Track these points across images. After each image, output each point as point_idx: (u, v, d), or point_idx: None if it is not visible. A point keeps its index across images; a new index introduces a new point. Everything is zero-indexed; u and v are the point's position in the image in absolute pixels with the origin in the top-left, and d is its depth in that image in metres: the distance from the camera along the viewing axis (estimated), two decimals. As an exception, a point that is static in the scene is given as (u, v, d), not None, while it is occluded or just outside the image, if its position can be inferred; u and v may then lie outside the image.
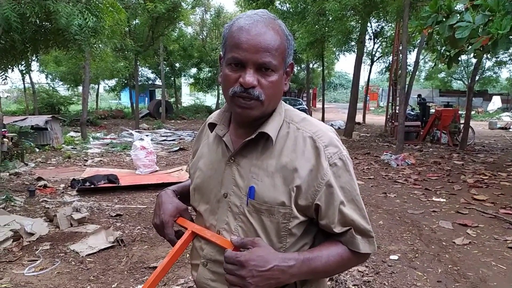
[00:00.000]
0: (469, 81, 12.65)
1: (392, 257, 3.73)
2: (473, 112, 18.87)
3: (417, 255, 3.79)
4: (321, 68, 20.50)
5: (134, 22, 16.18)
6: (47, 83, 24.59)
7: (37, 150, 9.89)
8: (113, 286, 3.17)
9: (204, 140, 1.17)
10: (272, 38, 0.93)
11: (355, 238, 0.98)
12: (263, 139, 0.99)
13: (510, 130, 17.30)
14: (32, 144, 9.82)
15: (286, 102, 1.10)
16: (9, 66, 6.17)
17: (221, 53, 1.02)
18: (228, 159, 1.03)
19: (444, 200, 5.72)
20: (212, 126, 1.09)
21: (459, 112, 12.70)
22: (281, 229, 0.97)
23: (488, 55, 18.86)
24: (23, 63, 6.49)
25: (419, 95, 14.32)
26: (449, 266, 3.54)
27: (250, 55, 0.91)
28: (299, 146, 0.98)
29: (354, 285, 3.13)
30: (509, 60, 23.81)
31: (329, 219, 0.97)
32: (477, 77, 15.00)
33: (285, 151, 0.98)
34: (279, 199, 0.96)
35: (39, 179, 6.62)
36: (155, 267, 3.44)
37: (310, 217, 1.00)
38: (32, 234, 4.10)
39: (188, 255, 3.72)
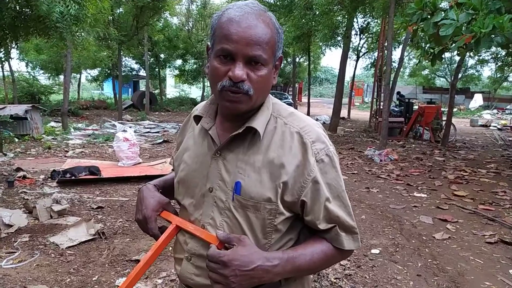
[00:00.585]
0: (452, 78, 12.88)
1: (373, 251, 3.78)
2: (455, 110, 19.23)
3: (397, 249, 3.85)
4: (307, 62, 20.53)
5: (118, 11, 15.86)
6: (27, 71, 23.97)
7: (16, 140, 9.65)
8: (93, 279, 3.13)
9: (189, 132, 1.14)
10: (263, 31, 0.91)
11: (340, 235, 0.98)
12: (250, 134, 0.98)
13: (491, 127, 17.72)
14: (11, 134, 9.58)
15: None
16: (-13, 53, 5.98)
17: (208, 43, 0.99)
18: (214, 153, 1.00)
19: (425, 195, 5.83)
20: (197, 118, 1.07)
21: (442, 109, 12.92)
22: (266, 225, 0.96)
23: (471, 53, 19.22)
24: (1, 50, 6.31)
25: (398, 92, 14.48)
26: (429, 260, 3.60)
27: (240, 48, 0.89)
28: (286, 141, 0.96)
29: (336, 278, 3.16)
30: (491, 58, 24.30)
31: (314, 215, 0.96)
32: (459, 75, 15.27)
33: (272, 147, 0.96)
34: (266, 195, 0.94)
35: (18, 169, 6.46)
36: (137, 260, 3.41)
37: (295, 213, 0.99)
38: (11, 226, 4.00)
39: (171, 248, 3.70)
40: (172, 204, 1.14)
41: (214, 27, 0.95)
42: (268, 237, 0.97)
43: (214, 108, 1.07)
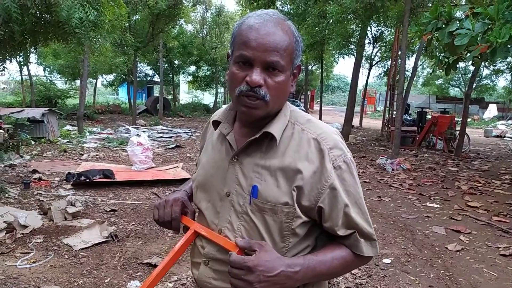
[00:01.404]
0: (466, 88, 12.74)
1: (385, 260, 3.75)
2: (469, 120, 19.00)
3: (409, 259, 3.81)
4: (320, 70, 20.53)
5: (134, 18, 16.13)
6: (44, 75, 24.46)
7: (33, 142, 9.84)
8: (105, 281, 3.17)
9: (208, 138, 1.17)
10: (281, 38, 0.92)
11: (359, 241, 0.99)
12: (267, 139, 0.99)
13: (505, 138, 17.42)
14: (28, 136, 9.77)
15: None
16: (8, 57, 6.14)
17: (229, 51, 1.02)
18: (231, 158, 1.02)
19: (438, 205, 5.76)
20: (216, 124, 1.09)
21: (455, 119, 12.77)
22: (284, 229, 0.97)
23: (486, 63, 19.00)
24: (21, 54, 6.46)
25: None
26: (441, 271, 3.56)
27: (258, 54, 0.91)
28: (303, 147, 0.98)
29: (346, 287, 3.15)
30: (506, 68, 23.96)
31: (332, 221, 0.97)
32: (474, 85, 15.08)
33: (288, 152, 0.98)
34: (283, 199, 0.95)
35: (34, 171, 6.59)
36: (148, 263, 3.45)
37: (312, 218, 0.99)
38: (26, 227, 4.09)
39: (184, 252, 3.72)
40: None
41: (234, 35, 0.98)
42: (286, 241, 0.98)
43: (232, 114, 1.09)
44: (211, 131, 1.15)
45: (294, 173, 0.95)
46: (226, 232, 1.01)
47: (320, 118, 17.85)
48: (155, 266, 3.40)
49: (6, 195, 5.18)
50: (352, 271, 3.43)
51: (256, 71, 0.92)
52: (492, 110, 28.84)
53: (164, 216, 1.10)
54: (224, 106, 1.13)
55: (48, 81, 23.06)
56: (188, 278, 3.23)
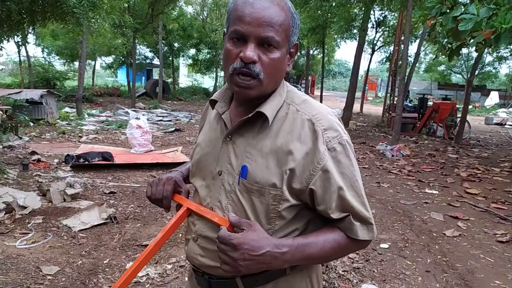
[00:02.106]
0: (469, 75, 12.64)
1: (382, 245, 3.77)
2: (470, 107, 18.89)
3: (407, 244, 3.83)
4: (321, 55, 20.35)
5: (133, -2, 15.90)
6: (43, 57, 24.25)
7: (32, 124, 9.81)
8: (104, 262, 3.19)
9: (207, 117, 1.17)
10: (277, 13, 0.90)
11: (354, 224, 0.95)
12: (261, 119, 0.97)
13: (506, 126, 17.39)
14: (26, 118, 9.74)
15: None
16: (5, 37, 6.05)
17: (224, 29, 0.99)
18: (225, 137, 1.01)
19: (437, 192, 5.77)
20: (213, 102, 1.08)
21: (457, 106, 12.71)
22: (270, 211, 0.95)
23: (489, 50, 18.83)
24: (19, 34, 6.38)
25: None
26: (438, 256, 3.58)
27: (252, 29, 0.88)
28: (296, 128, 0.95)
29: (344, 271, 3.17)
30: (509, 55, 23.75)
31: (326, 204, 0.94)
32: (476, 72, 14.96)
33: (281, 133, 0.96)
34: (271, 181, 0.94)
35: (33, 153, 6.58)
36: (147, 245, 3.45)
37: (304, 201, 0.97)
38: (25, 208, 4.09)
39: (181, 235, 3.75)
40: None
41: (229, 11, 0.95)
42: (272, 223, 0.96)
43: (229, 93, 1.07)
44: (210, 110, 1.15)
45: (285, 154, 0.93)
46: (216, 210, 1.01)
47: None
48: (153, 248, 3.41)
49: (5, 176, 5.17)
50: (350, 255, 3.45)
51: (250, 46, 0.89)
52: (493, 98, 28.71)
53: (156, 194, 1.11)
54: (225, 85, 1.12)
55: (47, 62, 22.87)
56: (187, 260, 3.24)
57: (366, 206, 0.98)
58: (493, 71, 28.34)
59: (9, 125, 7.85)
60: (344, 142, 0.95)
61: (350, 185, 0.95)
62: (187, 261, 3.17)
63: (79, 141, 8.40)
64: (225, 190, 1.00)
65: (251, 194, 0.96)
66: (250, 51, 0.89)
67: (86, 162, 6.06)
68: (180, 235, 3.75)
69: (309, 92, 28.92)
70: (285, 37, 0.92)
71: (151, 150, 7.47)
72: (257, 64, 0.90)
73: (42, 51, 24.21)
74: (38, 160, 6.16)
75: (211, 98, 1.08)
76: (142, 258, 1.02)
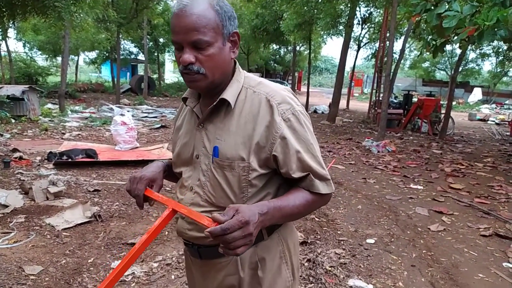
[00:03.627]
0: (453, 71, 12.83)
1: (368, 240, 3.80)
2: (454, 103, 19.21)
3: (393, 239, 3.87)
4: (308, 51, 20.37)
5: (117, -8, 15.62)
6: (24, 52, 23.72)
7: (13, 120, 9.57)
8: (89, 261, 3.13)
9: (182, 115, 1.31)
10: (199, 17, 1.01)
11: (314, 181, 1.10)
12: (225, 105, 1.12)
13: (489, 122, 17.74)
14: (7, 114, 9.50)
15: None
16: (-16, 31, 5.87)
17: None
18: (197, 125, 1.17)
19: (422, 187, 5.84)
20: (185, 100, 1.24)
21: (441, 102, 12.90)
22: (242, 181, 1.10)
23: (473, 47, 19.15)
24: (-2, 28, 6.19)
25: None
26: (423, 251, 3.63)
27: (182, 37, 1.03)
28: (255, 106, 1.10)
29: (331, 266, 3.18)
30: (492, 52, 24.21)
31: (287, 167, 1.08)
32: (460, 68, 15.20)
33: (243, 113, 1.10)
34: (239, 155, 1.09)
35: (15, 150, 6.42)
36: (133, 244, 3.41)
37: (272, 168, 1.11)
38: (6, 206, 4.00)
39: (167, 232, 3.71)
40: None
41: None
42: (245, 191, 1.11)
43: None
44: (184, 108, 1.30)
45: (249, 131, 1.08)
46: (196, 188, 1.17)
47: (307, 100, 17.85)
48: (139, 246, 3.37)
49: (-15, 174, 5.04)
50: (336, 251, 3.47)
51: (185, 51, 1.04)
52: (476, 94, 29.27)
53: (131, 191, 1.21)
54: None
55: (28, 57, 22.33)
56: (173, 258, 3.21)
57: (321, 165, 1.12)
58: (476, 68, 28.87)
59: (-11, 121, 7.66)
60: (297, 113, 1.10)
61: (306, 148, 1.10)
62: (173, 259, 3.15)
63: (62, 138, 8.23)
64: (202, 170, 1.15)
65: (224, 170, 1.11)
66: (185, 55, 1.03)
67: (70, 160, 5.94)
68: (167, 232, 3.72)
69: (296, 88, 28.95)
70: (214, 34, 1.04)
71: (137, 147, 7.37)
72: (195, 63, 1.04)
73: (24, 46, 23.69)
74: (20, 158, 6.02)
75: (183, 96, 1.25)
76: (128, 259, 1.04)
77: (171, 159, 1.36)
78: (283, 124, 1.07)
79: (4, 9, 5.51)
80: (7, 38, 17.05)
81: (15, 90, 10.06)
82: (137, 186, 1.19)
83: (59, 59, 20.33)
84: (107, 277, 1.02)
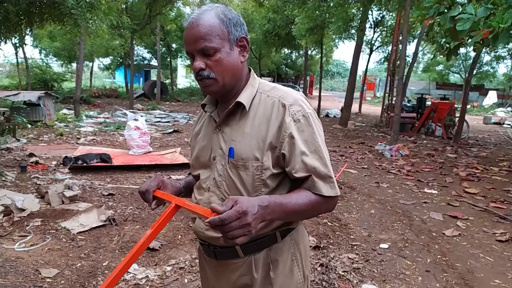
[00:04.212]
0: (467, 74, 12.66)
1: (382, 245, 3.77)
2: (468, 106, 18.91)
3: (407, 244, 3.83)
4: (320, 55, 20.34)
5: None
6: (40, 58, 24.23)
7: (29, 126, 9.77)
8: (103, 264, 3.17)
9: (201, 120, 1.38)
10: (204, 26, 1.10)
11: (316, 182, 1.12)
12: (240, 108, 1.18)
13: (504, 125, 17.42)
14: (24, 119, 9.70)
15: None
16: (2, 39, 6.03)
17: None
18: (214, 128, 1.23)
19: (436, 192, 5.77)
20: (203, 106, 1.31)
21: (455, 105, 12.72)
22: (255, 180, 1.15)
23: (487, 49, 18.87)
24: (16, 36, 6.35)
25: None
26: (438, 256, 3.58)
27: (191, 47, 1.12)
28: (268, 109, 1.16)
29: (344, 271, 3.16)
30: (507, 55, 23.79)
31: (291, 165, 1.12)
32: (474, 71, 14.99)
33: (257, 115, 1.16)
34: (253, 155, 1.13)
35: (31, 155, 6.55)
36: (146, 247, 3.44)
37: (284, 168, 1.15)
38: (23, 210, 4.07)
39: (180, 236, 3.73)
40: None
41: None
42: (258, 190, 1.15)
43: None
44: (203, 115, 1.37)
45: (263, 131, 1.14)
46: (212, 188, 1.22)
47: (319, 104, 17.81)
48: (153, 250, 3.41)
49: (3, 179, 5.16)
50: (349, 256, 3.45)
51: (196, 59, 1.13)
52: (491, 97, 28.79)
53: (142, 188, 1.25)
54: None
55: (44, 64, 22.79)
56: (186, 262, 3.24)
57: (327, 166, 1.14)
58: (491, 70, 28.36)
59: (7, 127, 7.81)
60: (307, 115, 1.14)
61: (314, 150, 1.13)
62: (186, 263, 3.18)
63: (77, 143, 8.37)
64: (217, 170, 1.21)
65: (238, 169, 1.16)
66: (196, 63, 1.12)
67: (84, 164, 6.04)
68: (180, 236, 3.74)
69: (308, 92, 28.86)
70: (220, 40, 1.11)
71: (150, 152, 7.45)
72: (206, 69, 1.12)
73: (40, 53, 24.19)
74: (36, 162, 6.14)
75: (202, 103, 1.32)
76: (131, 255, 1.06)
77: (188, 174, 1.43)
78: (292, 124, 1.12)
79: (22, 17, 5.65)
80: (24, 45, 17.44)
81: (32, 96, 10.28)
82: (150, 183, 1.24)
83: (74, 65, 20.73)
84: (110, 275, 1.03)
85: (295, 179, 1.14)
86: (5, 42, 6.30)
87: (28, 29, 6.39)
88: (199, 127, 1.36)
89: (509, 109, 26.00)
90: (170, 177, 5.90)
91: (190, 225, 1.30)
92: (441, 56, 7.13)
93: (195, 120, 1.44)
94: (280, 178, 1.17)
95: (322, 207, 1.17)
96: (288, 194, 1.13)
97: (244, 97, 1.17)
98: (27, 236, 3.58)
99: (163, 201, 1.24)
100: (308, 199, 1.12)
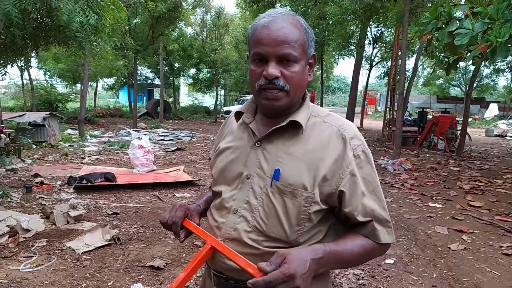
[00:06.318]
0: (467, 88, 12.73)
1: (387, 261, 3.75)
2: (470, 119, 18.96)
3: (412, 259, 3.81)
4: (320, 71, 20.53)
5: (134, 21, 16.16)
6: (45, 79, 24.51)
7: (34, 146, 9.86)
8: (108, 284, 3.17)
9: (227, 131, 1.23)
10: (291, 31, 0.98)
11: (376, 229, 1.02)
12: (291, 128, 1.05)
13: (506, 137, 17.40)
14: (29, 140, 9.78)
15: None
16: (9, 62, 6.15)
17: (247, 53, 1.09)
18: (254, 143, 1.08)
19: (440, 205, 5.75)
20: (238, 114, 1.16)
21: (456, 118, 12.76)
22: (301, 212, 1.01)
23: (486, 63, 18.99)
24: (22, 58, 6.48)
25: None
26: (444, 271, 3.55)
27: (271, 49, 0.97)
28: (325, 136, 1.04)
29: (349, 287, 3.14)
30: (507, 68, 23.94)
31: (352, 206, 1.01)
32: (474, 84, 15.07)
33: (311, 140, 1.04)
34: (303, 183, 1.00)
35: (36, 175, 6.60)
36: (151, 266, 3.45)
37: (331, 205, 1.03)
38: (28, 231, 4.09)
39: (184, 254, 3.73)
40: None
41: (249, 36, 1.05)
42: (301, 224, 1.02)
43: (254, 106, 1.16)
44: (230, 126, 1.22)
45: (316, 160, 1.01)
46: (242, 212, 1.05)
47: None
48: (157, 268, 3.41)
49: (9, 199, 5.19)
50: (355, 272, 3.43)
51: (271, 64, 0.98)
52: (493, 110, 28.80)
53: (167, 219, 1.13)
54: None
55: (49, 85, 23.11)
56: (191, 281, 3.23)
57: (386, 210, 1.06)
58: (491, 83, 28.51)
59: (12, 148, 7.90)
60: (366, 151, 1.05)
61: (372, 190, 1.04)
62: (191, 281, 3.17)
63: (82, 163, 8.43)
64: (254, 193, 1.04)
65: (284, 196, 1.01)
66: (272, 69, 0.98)
67: (89, 183, 6.07)
68: (184, 255, 3.74)
69: (309, 108, 28.85)
70: (302, 51, 1.01)
71: (153, 170, 7.49)
72: (280, 78, 0.98)
73: (44, 74, 24.49)
74: (41, 183, 6.18)
75: (237, 110, 1.17)
76: None
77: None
78: (353, 160, 1.01)
79: (28, 41, 5.79)
80: (29, 67, 17.71)
81: (37, 116, 10.40)
82: (175, 213, 1.12)
83: (79, 86, 20.96)
84: None
85: (355, 223, 1.02)
86: (12, 65, 6.42)
87: (34, 52, 6.52)
88: (225, 137, 1.20)
89: (511, 121, 25.98)
90: (174, 195, 5.92)
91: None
92: (441, 70, 7.21)
93: (220, 128, 1.29)
94: (323, 214, 1.04)
95: (375, 255, 1.07)
96: (342, 241, 1.01)
97: (301, 118, 1.04)
98: (32, 256, 3.59)
99: (191, 232, 1.13)
100: (364, 248, 1.02)
